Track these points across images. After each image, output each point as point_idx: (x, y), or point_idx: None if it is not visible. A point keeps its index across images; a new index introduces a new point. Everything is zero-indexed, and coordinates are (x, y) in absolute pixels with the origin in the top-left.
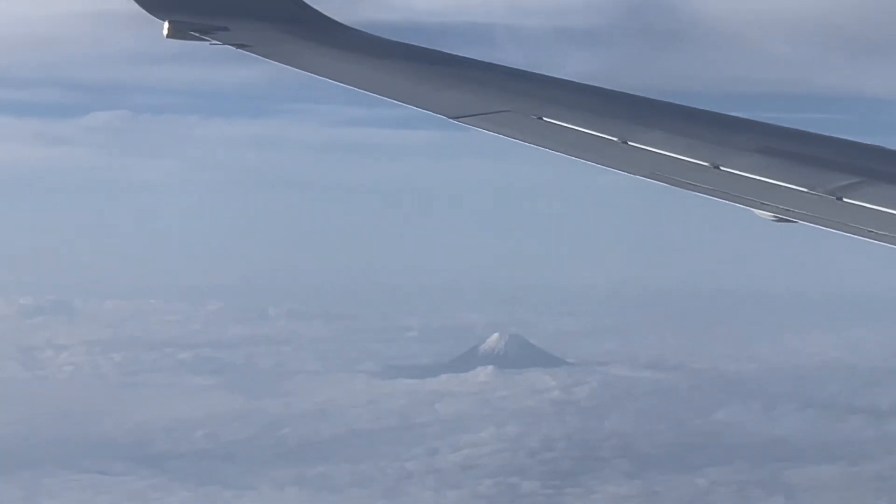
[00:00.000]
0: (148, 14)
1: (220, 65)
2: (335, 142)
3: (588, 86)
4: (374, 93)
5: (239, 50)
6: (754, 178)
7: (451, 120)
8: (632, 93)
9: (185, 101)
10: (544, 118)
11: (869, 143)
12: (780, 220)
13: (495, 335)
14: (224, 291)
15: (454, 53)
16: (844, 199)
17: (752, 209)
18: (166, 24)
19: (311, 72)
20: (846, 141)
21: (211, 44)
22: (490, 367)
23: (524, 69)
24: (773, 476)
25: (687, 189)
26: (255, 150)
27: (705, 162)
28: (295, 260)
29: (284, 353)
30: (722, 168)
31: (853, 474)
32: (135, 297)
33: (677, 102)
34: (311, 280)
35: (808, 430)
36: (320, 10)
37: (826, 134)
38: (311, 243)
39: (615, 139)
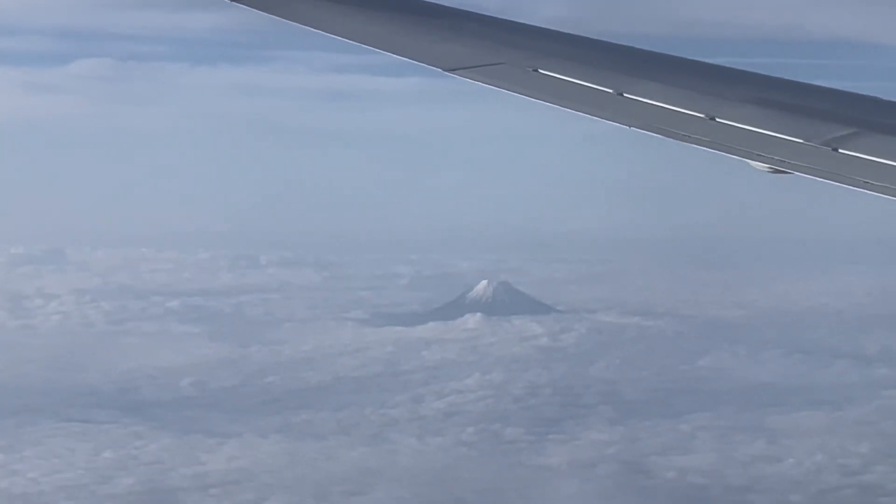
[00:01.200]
0: None
1: (205, 12)
2: (324, 89)
3: (583, 37)
4: (368, 45)
5: (232, 3)
6: (749, 130)
7: (446, 73)
8: (625, 44)
9: (172, 49)
10: (539, 70)
11: (862, 92)
12: (776, 171)
13: (483, 282)
14: (215, 240)
15: (444, 4)
16: (840, 150)
17: (748, 160)
18: None
19: (305, 24)
20: (841, 92)
21: None
22: (478, 315)
23: (518, 21)
24: (756, 421)
25: (682, 140)
26: (244, 97)
27: (701, 113)
28: (286, 208)
29: (274, 302)
30: (717, 119)
31: (837, 419)
32: (126, 245)
33: (668, 52)
34: (302, 228)
35: (793, 376)
36: None
37: (818, 83)
38: (303, 191)
39: (610, 91)
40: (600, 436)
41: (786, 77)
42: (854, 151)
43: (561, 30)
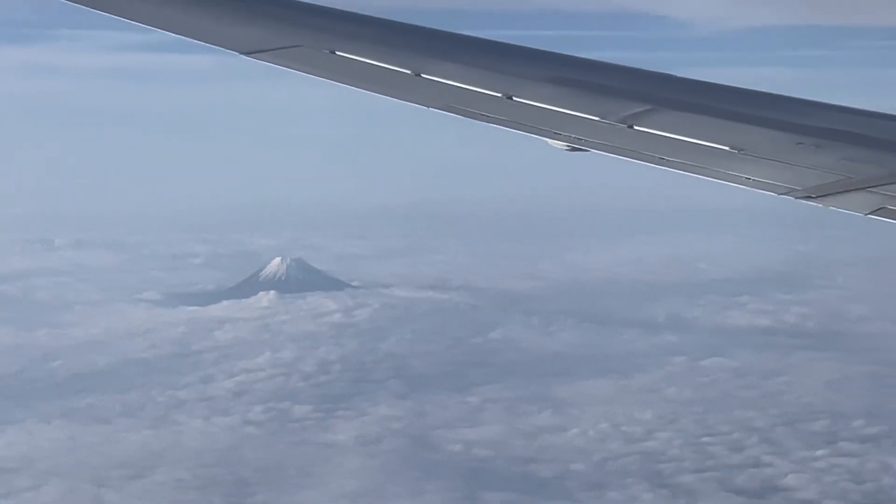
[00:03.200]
0: None
1: None
2: (112, 68)
3: (380, 19)
4: (164, 29)
5: None
6: (547, 108)
7: (244, 56)
8: (425, 26)
9: None
10: (337, 52)
11: (657, 70)
12: (573, 148)
13: (277, 260)
14: (7, 223)
15: None
16: (635, 127)
17: (546, 139)
18: None
19: (95, 8)
20: (636, 69)
21: None
22: (272, 293)
23: (315, 3)
24: (544, 392)
25: (480, 120)
26: (27, 77)
27: (498, 93)
28: (81, 189)
29: (65, 284)
30: (515, 99)
31: (623, 387)
32: None
33: (466, 33)
34: (99, 210)
35: (583, 345)
36: None
37: (616, 63)
38: (99, 172)
39: (408, 72)
40: (388, 411)
41: (567, 51)
42: (649, 128)
43: (359, 11)
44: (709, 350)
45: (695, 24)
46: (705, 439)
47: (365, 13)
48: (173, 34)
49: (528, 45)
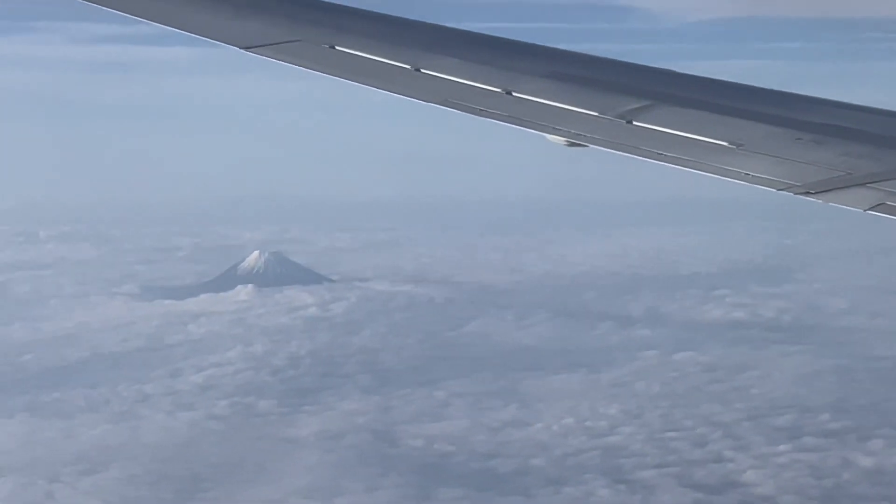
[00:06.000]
0: None
1: None
2: (91, 60)
3: (380, 14)
4: (164, 24)
5: None
6: (546, 104)
7: (242, 51)
8: (424, 21)
9: None
10: (336, 47)
11: (657, 66)
12: (572, 144)
13: (255, 253)
14: None
15: None
16: (634, 123)
17: (544, 134)
18: None
19: (93, 1)
20: (635, 65)
21: None
22: (250, 286)
23: None
24: (511, 386)
25: (479, 115)
26: (5, 70)
27: (497, 88)
28: (67, 182)
29: (44, 278)
30: (514, 94)
31: (592, 381)
32: None
33: (467, 29)
34: (84, 202)
35: (555, 339)
36: None
37: (615, 58)
38: (84, 165)
39: (407, 66)
40: (354, 405)
41: (567, 47)
42: (647, 123)
43: (358, 6)
44: (682, 344)
45: (663, 16)
46: (669, 434)
47: (364, 8)
48: (173, 29)
49: (528, 41)
